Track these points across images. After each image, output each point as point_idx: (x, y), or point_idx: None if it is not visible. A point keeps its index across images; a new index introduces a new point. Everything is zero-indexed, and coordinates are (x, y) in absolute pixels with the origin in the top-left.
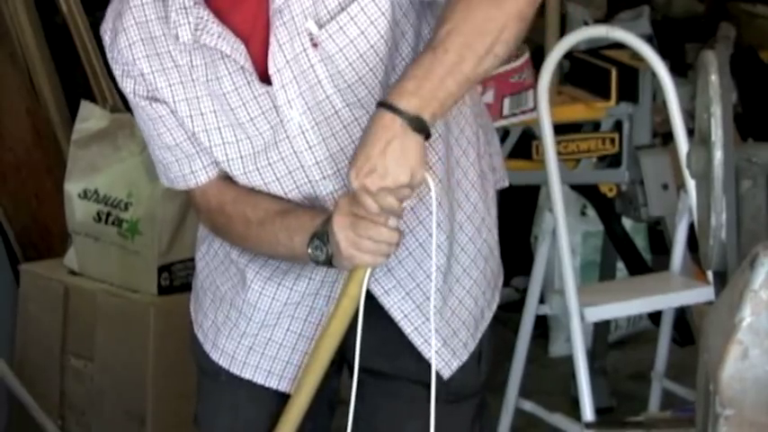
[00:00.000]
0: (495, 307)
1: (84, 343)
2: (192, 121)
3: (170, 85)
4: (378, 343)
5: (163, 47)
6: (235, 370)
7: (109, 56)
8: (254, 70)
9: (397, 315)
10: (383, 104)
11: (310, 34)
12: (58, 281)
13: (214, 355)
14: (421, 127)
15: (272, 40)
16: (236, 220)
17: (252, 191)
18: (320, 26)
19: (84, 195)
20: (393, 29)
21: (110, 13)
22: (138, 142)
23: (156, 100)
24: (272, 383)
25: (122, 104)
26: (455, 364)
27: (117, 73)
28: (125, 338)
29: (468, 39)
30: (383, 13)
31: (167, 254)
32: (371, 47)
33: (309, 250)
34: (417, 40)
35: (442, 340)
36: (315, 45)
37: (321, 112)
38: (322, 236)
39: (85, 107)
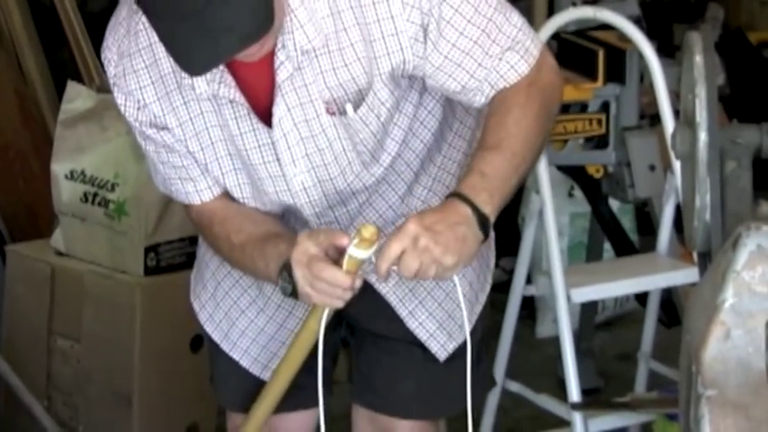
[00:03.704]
0: (488, 288)
1: (70, 324)
2: (204, 154)
3: (180, 125)
4: (375, 311)
5: (172, 84)
6: (225, 347)
7: (111, 82)
8: (258, 120)
9: (392, 300)
10: (458, 195)
11: (326, 102)
12: (44, 262)
13: (209, 328)
14: (485, 228)
15: (279, 102)
16: (222, 241)
17: (241, 213)
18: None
19: (71, 176)
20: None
21: (112, 38)
22: (124, 122)
23: (165, 128)
24: (256, 371)
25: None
26: (451, 347)
27: (119, 101)
28: (112, 319)
29: (527, 143)
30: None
31: (154, 235)
32: (388, 117)
33: (279, 281)
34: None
35: (438, 323)
36: (332, 113)
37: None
38: (290, 267)
39: (72, 87)
